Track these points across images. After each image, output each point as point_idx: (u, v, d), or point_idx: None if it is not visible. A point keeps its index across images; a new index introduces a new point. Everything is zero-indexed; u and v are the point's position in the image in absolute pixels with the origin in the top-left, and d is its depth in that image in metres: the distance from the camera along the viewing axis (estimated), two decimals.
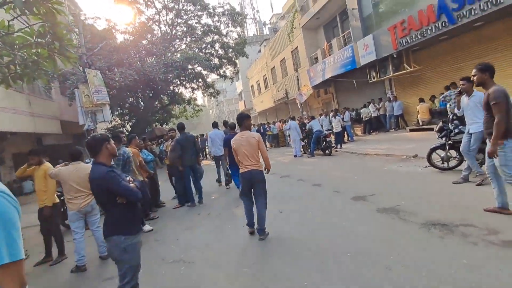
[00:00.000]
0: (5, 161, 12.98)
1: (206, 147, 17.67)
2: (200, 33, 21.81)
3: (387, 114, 14.46)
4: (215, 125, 8.78)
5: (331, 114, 13.56)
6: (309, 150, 12.20)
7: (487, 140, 3.61)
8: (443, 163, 6.01)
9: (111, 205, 2.34)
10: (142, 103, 22.11)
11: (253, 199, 4.31)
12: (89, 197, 4.15)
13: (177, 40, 22.54)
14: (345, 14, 16.42)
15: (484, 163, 5.29)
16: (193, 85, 22.29)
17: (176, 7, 21.08)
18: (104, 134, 2.53)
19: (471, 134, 4.84)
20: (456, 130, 5.49)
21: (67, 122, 16.48)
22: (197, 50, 21.00)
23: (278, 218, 4.89)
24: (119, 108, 21.05)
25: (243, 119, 4.32)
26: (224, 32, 22.30)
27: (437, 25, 9.86)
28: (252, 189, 4.26)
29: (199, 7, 21.20)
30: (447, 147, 5.74)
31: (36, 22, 4.55)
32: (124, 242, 2.35)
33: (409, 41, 11.13)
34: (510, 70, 9.48)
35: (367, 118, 15.17)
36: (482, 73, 3.55)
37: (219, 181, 8.82)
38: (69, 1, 20.85)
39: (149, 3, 20.98)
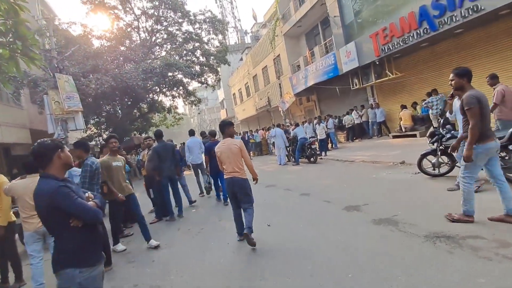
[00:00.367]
0: None
1: None
2: (181, 40, 21.38)
3: (369, 121, 14.47)
4: (191, 133, 8.52)
5: (315, 121, 13.39)
6: (293, 158, 11.91)
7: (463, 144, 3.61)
8: (434, 169, 5.82)
9: (63, 229, 1.85)
10: (120, 111, 21.23)
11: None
12: None
13: (157, 47, 22.01)
14: (327, 22, 16.50)
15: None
16: (174, 92, 21.71)
17: (156, 13, 20.60)
18: (55, 139, 2.03)
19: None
20: (449, 135, 5.31)
21: (38, 131, 15.42)
22: (177, 57, 20.49)
23: (266, 232, 4.46)
24: (95, 116, 20.10)
25: (226, 127, 4.29)
26: (205, 39, 21.99)
27: (418, 32, 9.93)
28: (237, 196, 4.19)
29: (179, 14, 20.80)
30: (439, 153, 5.55)
31: None
32: (80, 276, 1.85)
33: (391, 48, 11.18)
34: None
35: (350, 125, 15.12)
36: (459, 78, 3.49)
37: (201, 191, 8.44)
38: (43, 6, 19.95)
39: (127, 9, 20.41)
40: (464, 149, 3.39)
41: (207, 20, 21.39)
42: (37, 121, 15.47)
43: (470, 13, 8.32)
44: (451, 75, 3.58)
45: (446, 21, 8.99)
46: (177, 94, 21.93)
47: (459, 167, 4.57)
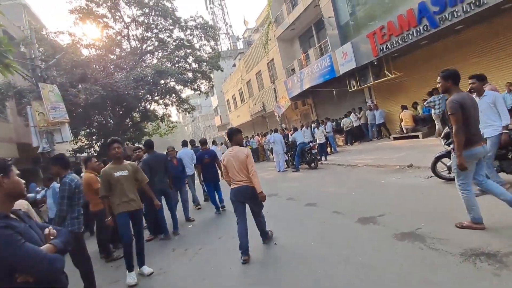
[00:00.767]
0: None
1: None
2: (172, 47, 20.94)
3: (368, 123, 14.10)
4: (184, 143, 8.30)
5: (313, 125, 12.97)
6: (292, 164, 11.43)
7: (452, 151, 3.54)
8: (449, 173, 5.38)
9: (6, 286, 1.33)
10: (111, 121, 20.59)
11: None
12: None
13: (148, 55, 21.53)
14: (320, 24, 16.21)
15: (503, 171, 4.75)
16: (166, 100, 21.18)
17: (146, 21, 20.16)
18: (1, 159, 1.50)
19: (485, 138, 4.24)
20: None
21: (25, 145, 14.76)
22: (169, 64, 20.02)
23: (273, 252, 3.95)
24: (85, 127, 19.44)
25: (233, 134, 4.15)
26: (197, 46, 21.59)
27: (418, 29, 9.60)
28: (245, 206, 4.04)
29: (170, 21, 20.40)
30: None
31: None
32: None
33: (390, 47, 10.84)
34: (489, 75, 9.29)
35: (348, 128, 14.72)
36: (445, 81, 3.40)
37: (195, 202, 8.09)
38: (30, 16, 19.41)
39: (117, 17, 19.94)
40: (456, 157, 3.33)
41: (199, 26, 21.01)
42: (24, 135, 14.82)
43: (472, 7, 8.00)
44: (438, 78, 3.50)
45: (447, 17, 8.66)
46: (170, 102, 21.40)
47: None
